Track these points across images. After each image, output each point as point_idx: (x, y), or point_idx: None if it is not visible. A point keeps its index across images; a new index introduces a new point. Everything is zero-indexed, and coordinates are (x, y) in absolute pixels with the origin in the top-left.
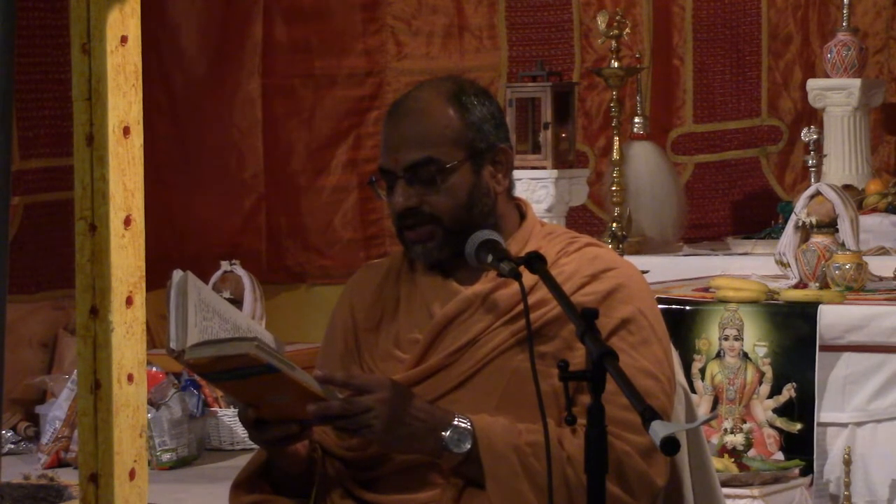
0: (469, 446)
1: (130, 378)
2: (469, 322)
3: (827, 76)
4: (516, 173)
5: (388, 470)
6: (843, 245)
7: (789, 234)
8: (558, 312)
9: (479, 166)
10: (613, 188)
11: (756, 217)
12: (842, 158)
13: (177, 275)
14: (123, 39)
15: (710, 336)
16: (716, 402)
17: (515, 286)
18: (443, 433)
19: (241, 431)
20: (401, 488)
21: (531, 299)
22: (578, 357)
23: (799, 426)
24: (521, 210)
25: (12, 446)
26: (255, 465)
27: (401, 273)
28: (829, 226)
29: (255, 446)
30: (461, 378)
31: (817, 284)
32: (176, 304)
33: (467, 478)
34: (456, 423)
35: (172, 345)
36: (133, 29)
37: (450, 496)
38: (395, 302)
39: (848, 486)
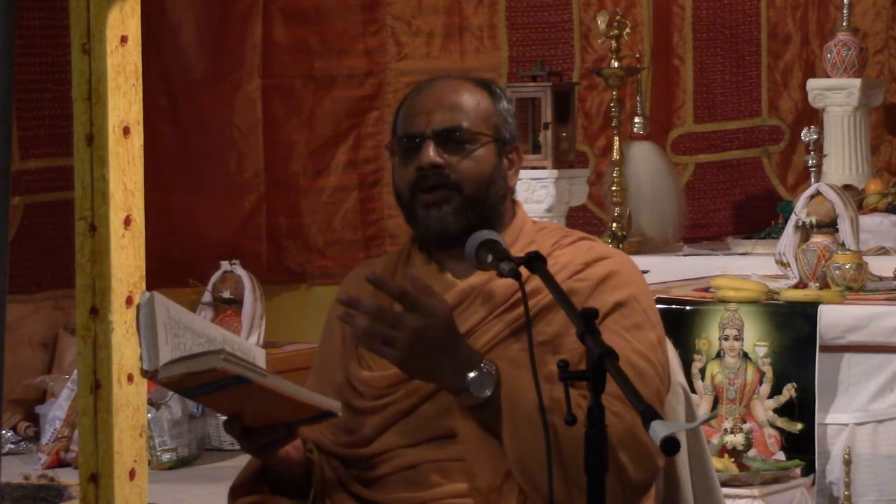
0: (489, 393)
1: (130, 378)
2: (465, 314)
3: (827, 76)
4: None
5: (388, 469)
6: (843, 245)
7: (789, 234)
8: (551, 299)
9: (501, 154)
10: (613, 188)
11: (757, 217)
12: (842, 158)
13: (143, 296)
14: (123, 39)
15: (710, 336)
16: (716, 402)
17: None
18: (468, 374)
19: None
20: (401, 488)
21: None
22: (573, 341)
23: (799, 426)
24: (514, 209)
25: (12, 446)
26: (251, 469)
27: (397, 269)
28: (829, 226)
29: None
30: None
31: (817, 284)
32: (145, 325)
33: (481, 421)
34: (483, 366)
35: (145, 366)
36: (133, 29)
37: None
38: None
39: (848, 486)
